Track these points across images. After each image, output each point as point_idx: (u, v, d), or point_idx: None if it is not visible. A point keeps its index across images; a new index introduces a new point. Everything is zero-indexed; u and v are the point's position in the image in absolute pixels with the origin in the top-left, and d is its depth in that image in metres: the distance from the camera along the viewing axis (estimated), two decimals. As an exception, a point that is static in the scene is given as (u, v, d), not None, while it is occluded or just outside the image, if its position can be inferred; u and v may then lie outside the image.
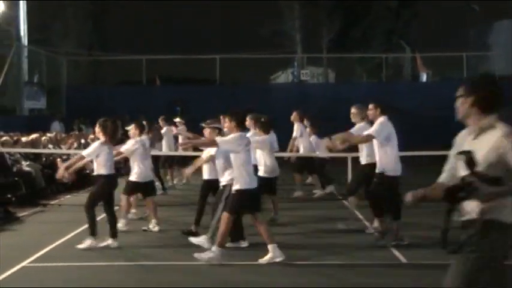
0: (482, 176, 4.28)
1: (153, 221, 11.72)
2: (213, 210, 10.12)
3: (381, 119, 10.20)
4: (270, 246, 8.97)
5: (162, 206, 13.17)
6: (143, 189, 12.03)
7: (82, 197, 16.51)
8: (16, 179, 14.85)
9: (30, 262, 9.16)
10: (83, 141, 21.11)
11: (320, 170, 16.92)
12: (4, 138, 16.69)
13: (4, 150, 15.59)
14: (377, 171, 10.18)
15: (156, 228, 11.62)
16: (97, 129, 10.51)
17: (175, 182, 19.08)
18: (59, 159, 17.65)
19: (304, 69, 37.52)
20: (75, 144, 20.15)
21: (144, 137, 12.35)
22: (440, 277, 8.19)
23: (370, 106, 10.50)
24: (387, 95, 31.10)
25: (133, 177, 11.86)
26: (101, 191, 10.23)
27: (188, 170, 11.24)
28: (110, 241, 10.13)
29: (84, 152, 10.46)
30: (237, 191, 8.99)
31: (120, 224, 11.16)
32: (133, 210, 12.88)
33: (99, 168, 10.21)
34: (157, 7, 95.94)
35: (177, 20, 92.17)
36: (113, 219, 10.29)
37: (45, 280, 8.29)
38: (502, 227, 4.43)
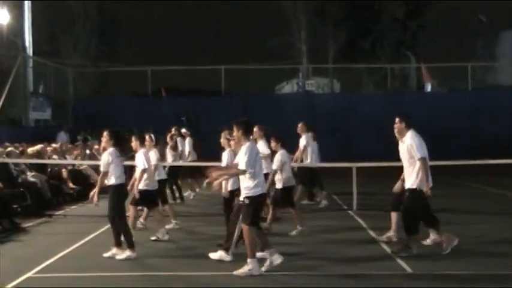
0: None
1: (162, 230, 11.74)
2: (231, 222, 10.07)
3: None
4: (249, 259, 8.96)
5: (167, 216, 13.15)
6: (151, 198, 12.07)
7: (87, 207, 16.57)
8: (21, 189, 14.86)
9: (36, 273, 9.14)
10: (88, 152, 21.14)
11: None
12: (9, 148, 16.70)
13: (9, 161, 15.60)
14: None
15: (166, 237, 11.62)
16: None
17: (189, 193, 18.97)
18: (63, 170, 17.66)
19: (309, 79, 37.52)
20: (81, 155, 20.18)
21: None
22: (445, 286, 8.20)
23: None
24: (393, 106, 31.17)
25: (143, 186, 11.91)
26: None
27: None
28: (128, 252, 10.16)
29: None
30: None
31: None
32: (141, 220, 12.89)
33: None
34: (164, 18, 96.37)
35: (184, 31, 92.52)
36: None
37: (50, 291, 8.28)
38: None
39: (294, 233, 12.15)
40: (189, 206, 16.85)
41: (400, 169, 10.64)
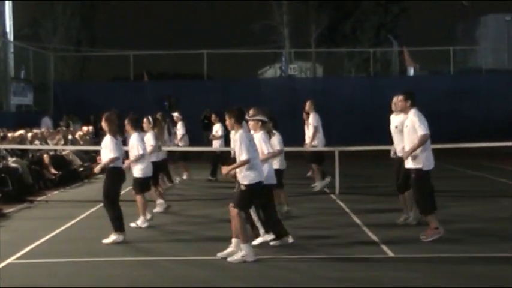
0: None
1: (142, 217, 11.66)
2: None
3: None
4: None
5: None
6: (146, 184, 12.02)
7: (69, 193, 16.49)
8: (3, 175, 14.76)
9: (17, 258, 9.11)
10: (70, 137, 21.03)
11: None
12: (-10, 134, 16.57)
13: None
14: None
15: (145, 225, 11.55)
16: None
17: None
18: (45, 155, 17.55)
19: (292, 63, 37.51)
20: (63, 141, 20.06)
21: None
22: (425, 269, 8.26)
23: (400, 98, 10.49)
24: (375, 89, 31.28)
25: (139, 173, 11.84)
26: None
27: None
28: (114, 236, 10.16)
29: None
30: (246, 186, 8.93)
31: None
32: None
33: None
34: (145, 3, 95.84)
35: (166, 16, 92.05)
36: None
37: (32, 276, 8.25)
38: None
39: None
40: (176, 190, 16.73)
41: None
